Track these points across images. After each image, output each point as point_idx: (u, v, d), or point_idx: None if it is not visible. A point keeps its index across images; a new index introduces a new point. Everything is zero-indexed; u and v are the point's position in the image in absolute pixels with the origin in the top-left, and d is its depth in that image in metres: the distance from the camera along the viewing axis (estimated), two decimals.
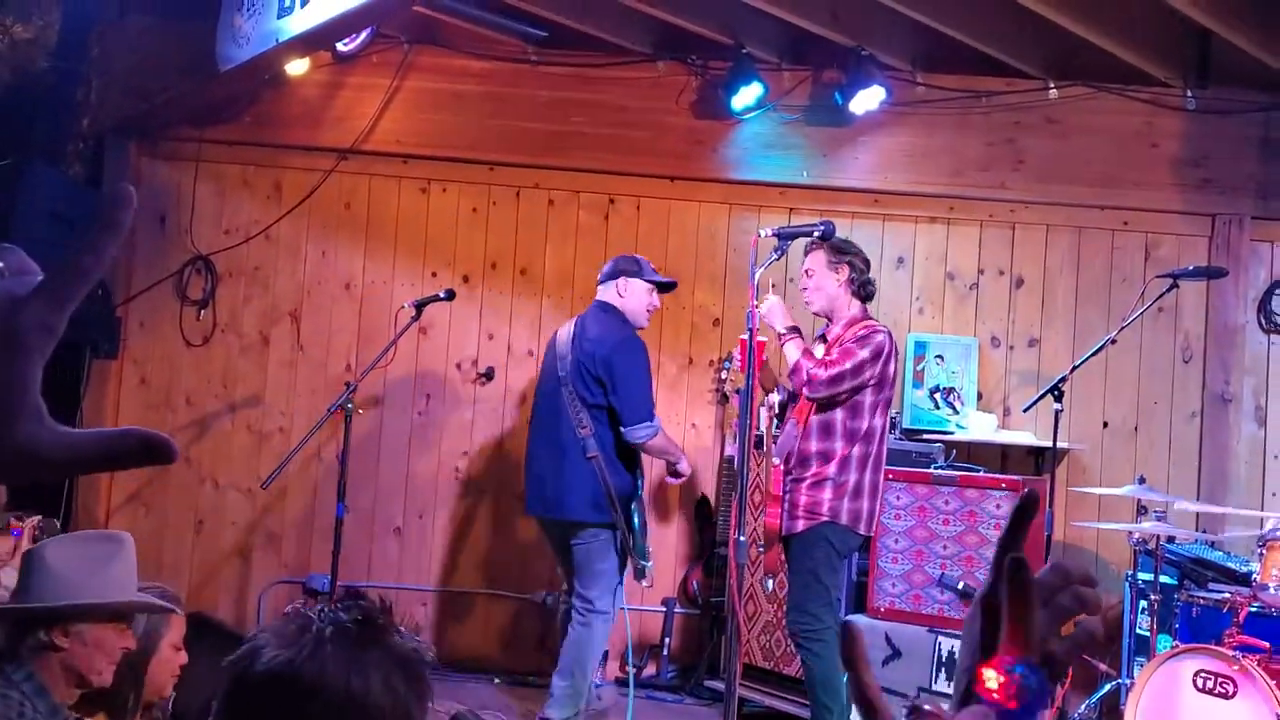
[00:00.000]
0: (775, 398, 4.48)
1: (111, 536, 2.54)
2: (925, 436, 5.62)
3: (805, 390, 4.24)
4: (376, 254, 6.10)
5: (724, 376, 4.88)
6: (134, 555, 2.46)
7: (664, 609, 5.88)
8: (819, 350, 4.48)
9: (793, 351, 4.25)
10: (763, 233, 3.49)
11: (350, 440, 4.93)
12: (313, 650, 1.24)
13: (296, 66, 5.70)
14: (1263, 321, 5.88)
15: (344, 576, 5.84)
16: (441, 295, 5.09)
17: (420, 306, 5.01)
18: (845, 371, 4.19)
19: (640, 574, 4.61)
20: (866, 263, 4.42)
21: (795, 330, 4.27)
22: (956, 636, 4.31)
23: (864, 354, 4.22)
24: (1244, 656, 3.84)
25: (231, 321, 6.11)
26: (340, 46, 5.75)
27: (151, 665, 2.54)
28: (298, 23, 4.58)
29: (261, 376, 6.09)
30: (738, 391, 4.85)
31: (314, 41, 4.90)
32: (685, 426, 5.96)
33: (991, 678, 0.90)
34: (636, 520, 4.59)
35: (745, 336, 3.73)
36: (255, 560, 6.04)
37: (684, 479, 4.96)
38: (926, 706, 0.94)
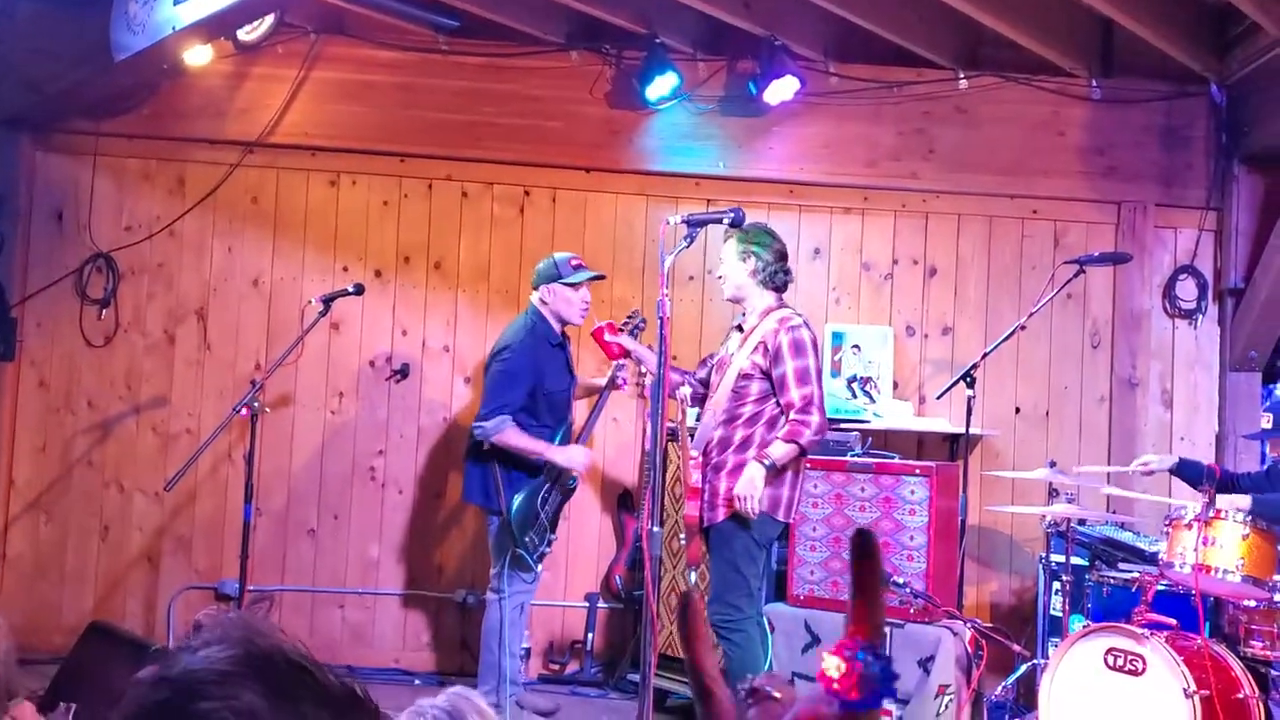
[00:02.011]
0: (686, 390, 4.47)
1: None
2: (843, 425, 5.64)
3: (817, 446, 4.30)
4: (285, 249, 5.96)
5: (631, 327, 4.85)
6: None
7: (587, 604, 5.84)
8: (734, 339, 4.46)
9: (785, 452, 4.18)
10: (671, 220, 3.46)
11: (259, 440, 4.80)
12: (187, 676, 1.14)
13: (198, 56, 5.53)
14: (1167, 306, 6.02)
15: (257, 580, 5.73)
16: (350, 290, 4.99)
17: (328, 302, 4.90)
18: (813, 396, 4.19)
19: (520, 564, 4.61)
20: (779, 254, 4.40)
21: (769, 463, 4.17)
22: None
23: (810, 363, 4.23)
24: (1152, 634, 3.91)
25: (135, 320, 5.92)
26: (243, 36, 5.59)
27: None
28: (193, 9, 4.44)
29: (167, 377, 5.92)
30: (637, 383, 4.87)
31: (212, 29, 4.76)
32: (606, 420, 5.90)
33: (833, 666, 0.86)
34: (515, 510, 4.63)
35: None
36: (164, 566, 5.86)
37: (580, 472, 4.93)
38: (767, 688, 0.90)
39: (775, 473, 4.21)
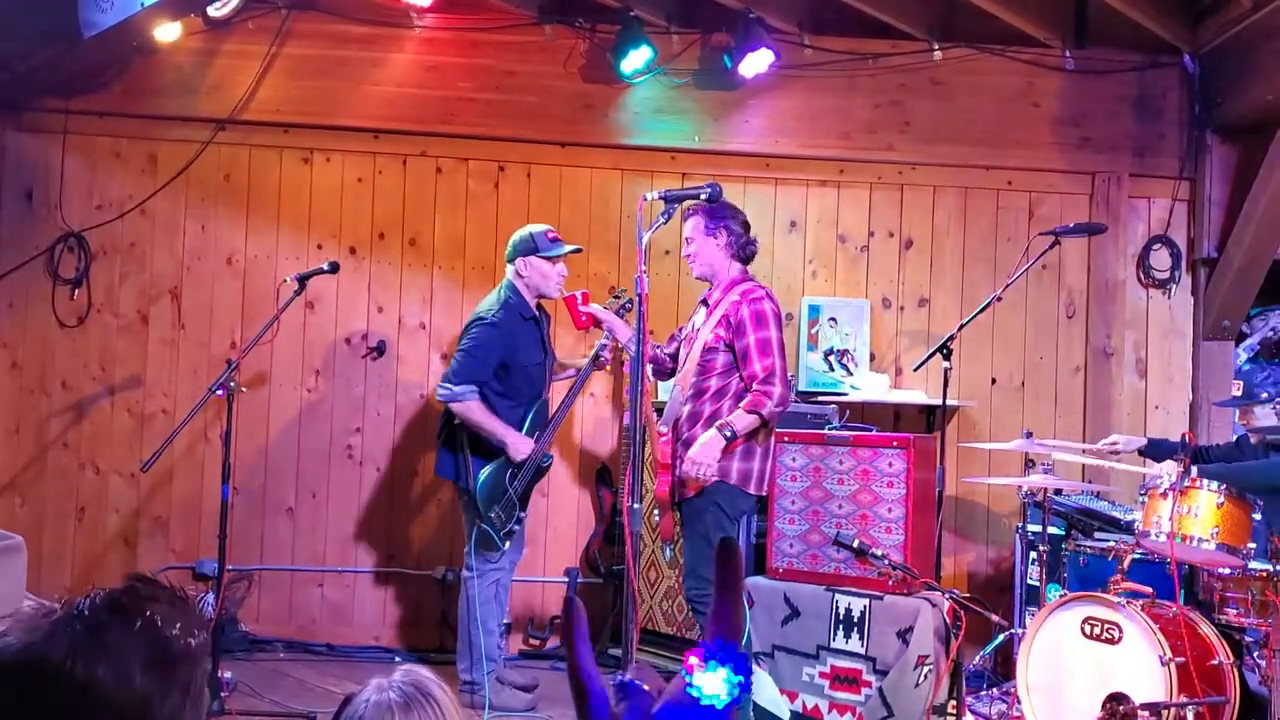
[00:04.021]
0: (648, 367, 4.48)
1: None
2: (820, 398, 5.67)
3: (779, 417, 4.27)
4: (259, 227, 5.91)
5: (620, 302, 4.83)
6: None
7: (567, 579, 5.85)
8: (700, 314, 4.47)
9: (746, 422, 4.18)
10: (648, 196, 3.44)
11: (236, 419, 4.77)
12: (45, 637, 1.17)
13: (167, 33, 5.47)
14: (1142, 276, 6.05)
15: (236, 560, 5.71)
16: (325, 268, 4.95)
17: (303, 280, 4.86)
18: (774, 367, 4.19)
19: (486, 541, 4.62)
20: (746, 225, 4.43)
21: (729, 431, 4.17)
22: (853, 594, 4.36)
23: (771, 335, 4.23)
24: (1128, 603, 3.95)
25: (108, 300, 5.87)
26: (212, 12, 5.53)
27: None
28: None
29: (141, 357, 5.87)
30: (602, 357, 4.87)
31: (182, 5, 4.71)
32: (585, 396, 5.91)
33: (694, 662, 0.99)
34: (480, 485, 4.66)
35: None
36: (141, 547, 5.84)
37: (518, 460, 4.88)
38: (636, 682, 1.00)
39: (745, 446, 4.22)
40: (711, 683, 0.96)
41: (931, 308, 6.02)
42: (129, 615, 1.20)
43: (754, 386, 4.19)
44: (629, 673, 1.12)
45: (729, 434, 4.15)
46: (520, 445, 4.71)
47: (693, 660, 0.99)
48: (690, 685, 0.97)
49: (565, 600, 1.11)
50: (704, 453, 4.13)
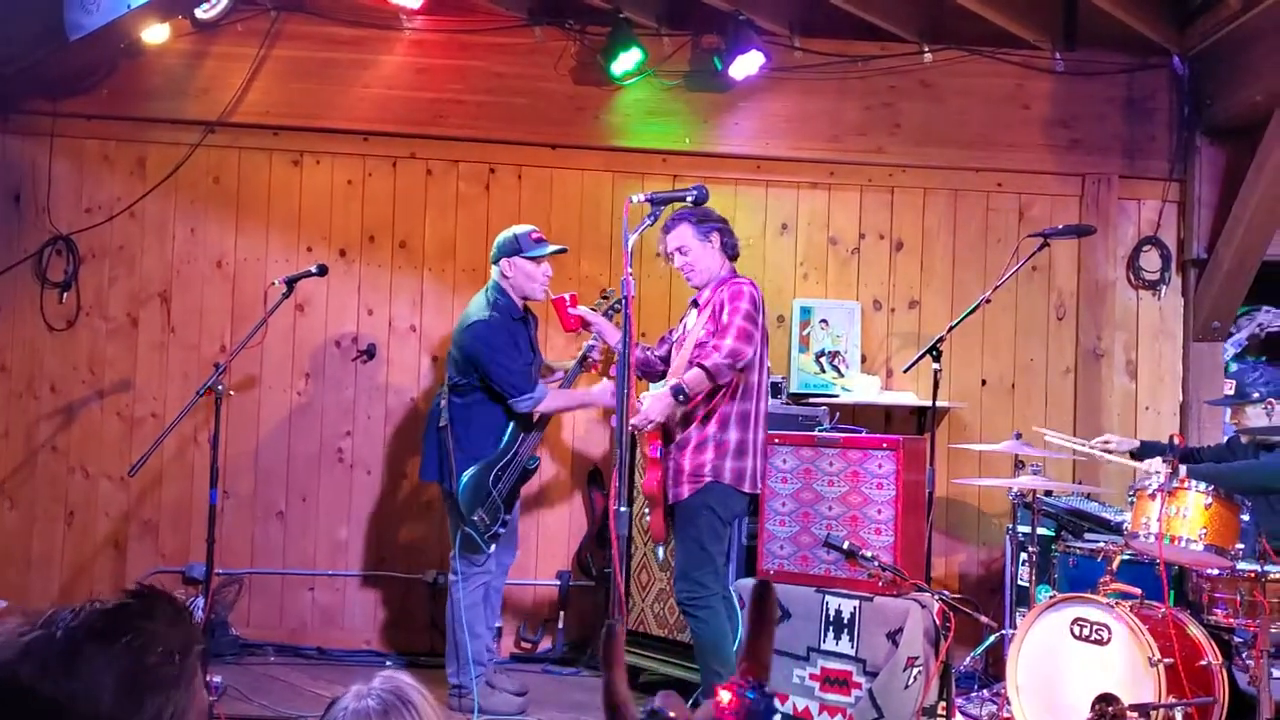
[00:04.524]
0: (637, 370, 4.49)
1: None
2: (811, 400, 5.67)
3: (724, 378, 4.22)
4: (248, 230, 5.89)
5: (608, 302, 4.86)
6: None
7: (558, 582, 5.84)
8: (692, 315, 4.47)
9: (695, 377, 4.18)
10: (635, 199, 3.44)
11: (225, 423, 4.76)
12: (19, 654, 1.15)
13: (155, 35, 5.45)
14: (1131, 278, 6.06)
15: (226, 563, 5.70)
16: (314, 270, 4.94)
17: (291, 283, 4.85)
18: (733, 325, 4.17)
19: (470, 544, 4.61)
20: (727, 222, 4.46)
21: (675, 386, 4.19)
22: (844, 595, 4.36)
23: (743, 305, 4.21)
24: (1117, 604, 3.95)
25: (97, 304, 5.85)
26: (200, 14, 5.51)
27: None
28: None
29: (131, 360, 5.85)
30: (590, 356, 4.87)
31: (169, 7, 4.69)
32: None
33: (725, 697, 1.04)
34: (463, 486, 4.64)
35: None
36: (131, 551, 5.82)
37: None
38: (665, 710, 1.04)
39: (737, 444, 4.22)
40: (738, 713, 1.04)
41: (922, 310, 6.02)
42: (108, 636, 1.17)
43: (709, 342, 4.21)
44: (656, 700, 1.15)
45: (676, 390, 4.15)
46: (602, 396, 4.89)
47: (725, 693, 1.05)
48: (722, 717, 1.04)
49: (605, 626, 1.15)
50: (653, 405, 4.14)
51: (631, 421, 4.10)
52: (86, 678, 1.13)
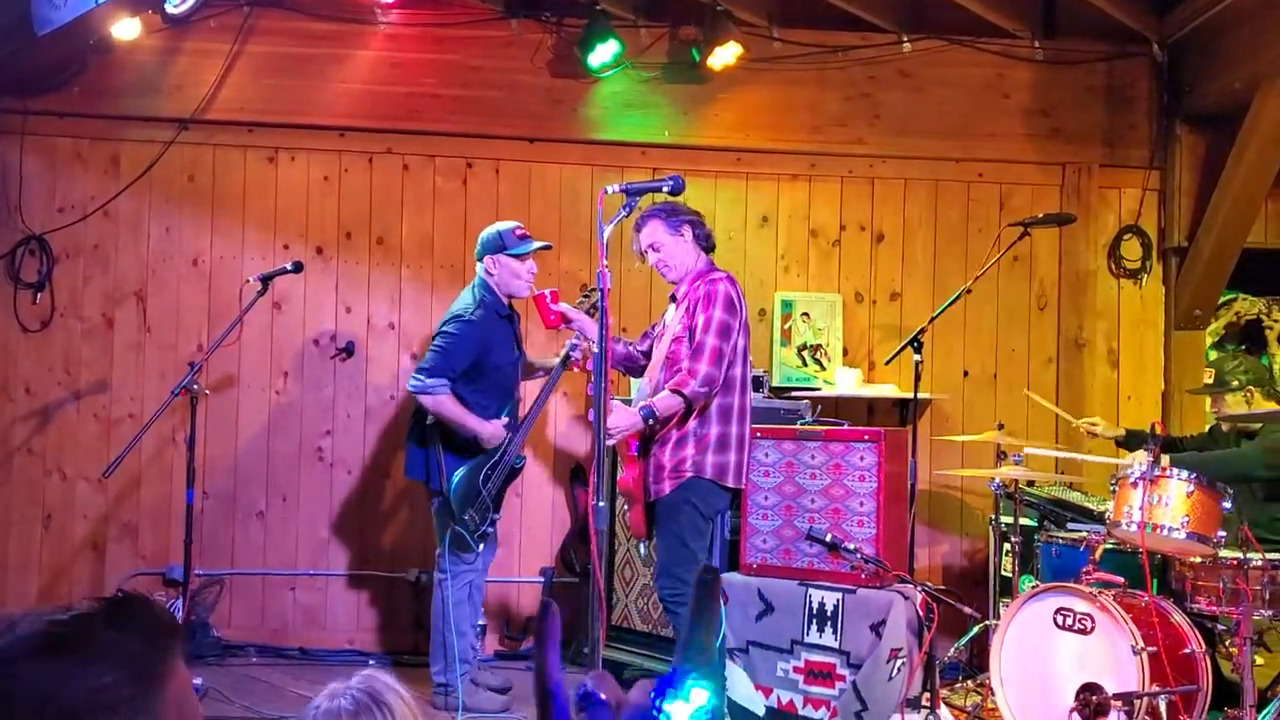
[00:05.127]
0: (620, 365, 4.45)
1: None
2: (793, 394, 5.65)
3: (700, 402, 4.18)
4: (224, 228, 5.84)
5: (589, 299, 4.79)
6: None
7: (542, 579, 5.81)
8: (671, 310, 4.44)
9: (668, 402, 4.14)
10: (610, 189, 3.40)
11: (204, 423, 4.72)
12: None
13: (126, 30, 5.39)
14: (1113, 267, 6.05)
15: (207, 564, 5.66)
16: (289, 268, 4.89)
17: (266, 281, 4.81)
18: (705, 345, 4.14)
19: (460, 543, 4.57)
20: (699, 214, 4.42)
21: (645, 410, 4.14)
22: (827, 588, 4.33)
23: (716, 314, 4.17)
24: (1101, 593, 3.94)
25: (71, 304, 5.79)
26: (170, 9, 5.44)
27: None
28: None
29: (107, 361, 5.79)
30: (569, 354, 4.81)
31: (138, 1, 4.61)
32: (557, 395, 5.87)
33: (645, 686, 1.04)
34: (455, 486, 4.59)
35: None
36: (110, 553, 5.76)
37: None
38: (597, 693, 0.99)
39: (719, 439, 4.20)
40: (681, 712, 0.97)
41: (904, 301, 6.00)
42: (52, 650, 1.10)
43: (684, 364, 4.16)
44: (589, 682, 1.11)
45: (646, 414, 4.12)
46: (493, 432, 4.65)
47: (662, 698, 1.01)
48: (660, 713, 0.98)
49: (541, 603, 1.09)
50: (618, 419, 4.06)
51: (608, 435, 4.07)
52: (13, 699, 1.07)
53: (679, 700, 0.98)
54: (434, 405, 4.60)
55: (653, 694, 1.01)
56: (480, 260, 4.76)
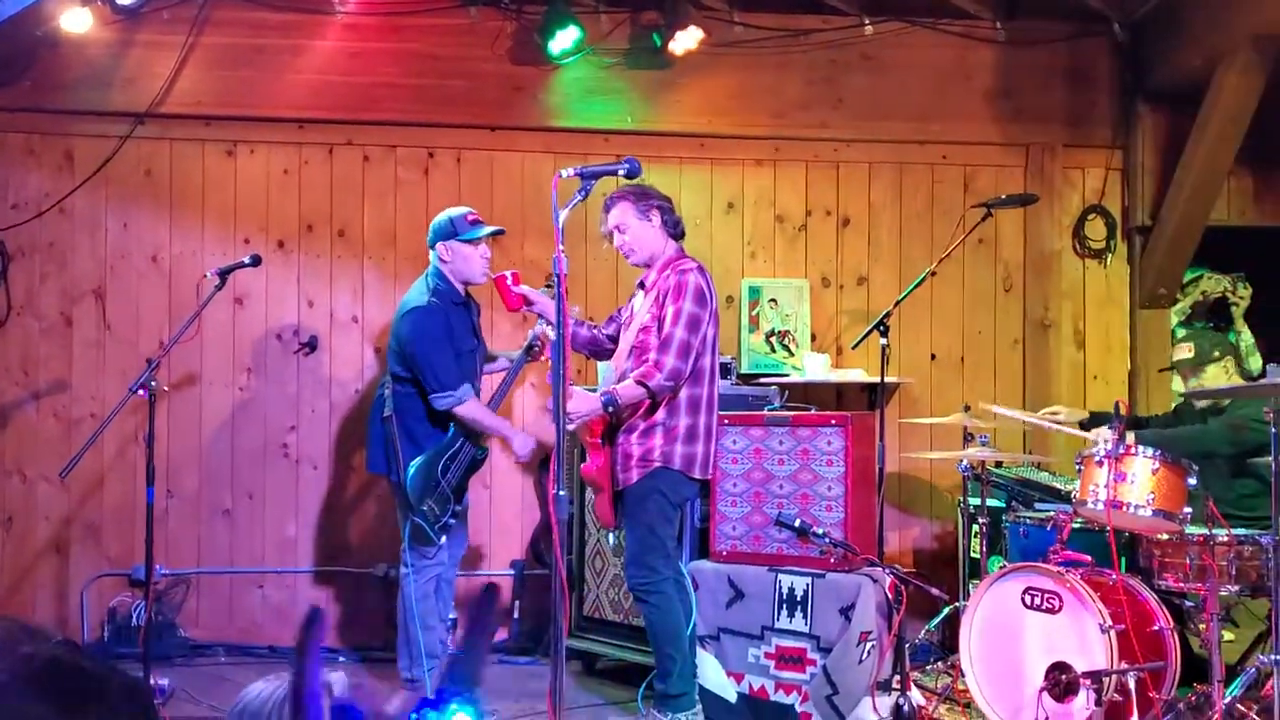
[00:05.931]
0: (585, 350, 4.41)
1: None
2: (762, 380, 5.63)
3: (664, 395, 4.16)
4: (183, 223, 5.75)
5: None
6: None
7: (513, 572, 5.78)
8: (639, 297, 4.40)
9: (631, 392, 4.12)
10: (564, 173, 3.34)
11: (166, 421, 4.65)
12: None
13: (75, 22, 5.29)
14: (1077, 247, 6.06)
15: (172, 564, 5.60)
16: (246, 262, 4.81)
17: (224, 275, 4.72)
18: (673, 337, 4.11)
19: (420, 535, 4.53)
20: (670, 200, 4.38)
21: (607, 397, 4.12)
22: (796, 573, 4.32)
23: (686, 306, 4.14)
24: (1068, 571, 3.94)
25: (28, 303, 5.69)
26: (121, 0, 5.34)
27: None
28: None
29: (66, 360, 5.70)
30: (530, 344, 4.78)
31: None
32: (524, 386, 5.83)
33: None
34: (411, 476, 4.52)
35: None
36: (74, 554, 5.68)
37: (523, 460, 4.96)
38: (353, 705, 0.99)
39: (688, 429, 4.18)
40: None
41: (870, 285, 5.99)
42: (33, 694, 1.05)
43: (651, 355, 4.13)
44: (336, 689, 1.10)
45: (608, 401, 4.09)
46: (524, 443, 4.68)
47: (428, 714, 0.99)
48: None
49: (309, 610, 1.05)
50: (578, 404, 4.05)
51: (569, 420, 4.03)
52: None
53: (444, 717, 0.97)
54: (468, 412, 4.52)
55: (413, 714, 0.98)
56: (433, 248, 4.66)
